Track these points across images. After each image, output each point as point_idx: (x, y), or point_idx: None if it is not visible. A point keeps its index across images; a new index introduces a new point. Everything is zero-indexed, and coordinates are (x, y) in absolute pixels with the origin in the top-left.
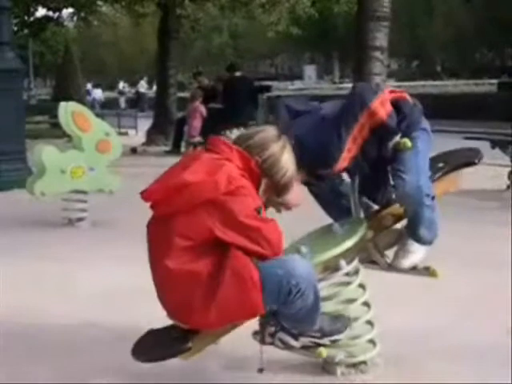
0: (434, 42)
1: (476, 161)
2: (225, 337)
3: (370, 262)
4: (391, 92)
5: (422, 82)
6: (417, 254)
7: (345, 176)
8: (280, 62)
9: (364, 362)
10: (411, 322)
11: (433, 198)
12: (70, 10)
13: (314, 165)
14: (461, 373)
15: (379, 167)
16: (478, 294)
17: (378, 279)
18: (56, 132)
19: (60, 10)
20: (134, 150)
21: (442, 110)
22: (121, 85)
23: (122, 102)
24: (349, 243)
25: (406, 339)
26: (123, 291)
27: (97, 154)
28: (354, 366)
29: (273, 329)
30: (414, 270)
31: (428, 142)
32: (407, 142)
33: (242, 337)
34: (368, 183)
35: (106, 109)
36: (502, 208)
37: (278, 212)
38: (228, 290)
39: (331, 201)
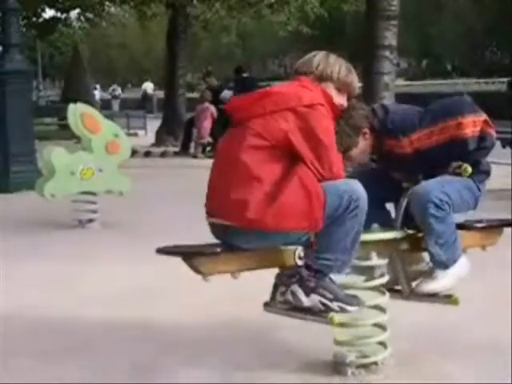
0: (443, 40)
1: None
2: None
3: (393, 290)
4: (486, 122)
5: (432, 81)
6: (440, 281)
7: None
8: (289, 62)
9: (375, 363)
10: (422, 323)
11: (448, 213)
12: (78, 10)
13: (385, 131)
14: (473, 374)
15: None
16: (490, 294)
17: None
18: (65, 133)
19: (68, 11)
20: (147, 154)
21: None
22: (112, 88)
23: (116, 104)
24: (382, 235)
25: (418, 340)
26: (134, 292)
27: (106, 156)
28: (365, 366)
29: (285, 287)
30: (434, 297)
31: (471, 193)
32: (468, 167)
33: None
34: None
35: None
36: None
37: (346, 166)
38: (292, 196)
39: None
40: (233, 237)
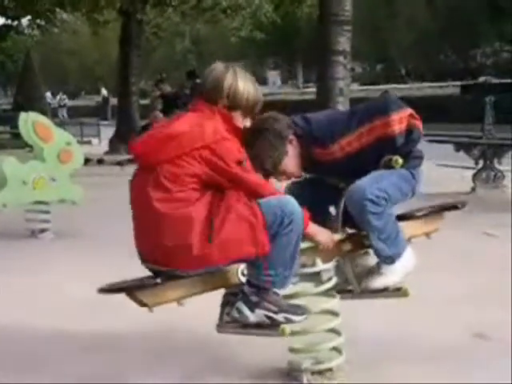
0: (397, 45)
1: (459, 206)
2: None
3: (344, 291)
4: (412, 116)
5: (387, 86)
6: (388, 276)
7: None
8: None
9: (330, 369)
10: (377, 327)
11: (385, 207)
12: (29, 17)
13: (312, 140)
14: (426, 376)
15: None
16: (449, 297)
17: None
18: (17, 142)
19: (19, 18)
20: (100, 161)
21: None
22: (59, 97)
23: (64, 112)
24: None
25: (372, 344)
26: (87, 302)
27: (58, 165)
28: (320, 372)
29: (230, 307)
30: (384, 291)
31: (408, 183)
32: (399, 159)
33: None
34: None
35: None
36: (468, 210)
37: (279, 181)
38: (231, 226)
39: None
40: (175, 271)
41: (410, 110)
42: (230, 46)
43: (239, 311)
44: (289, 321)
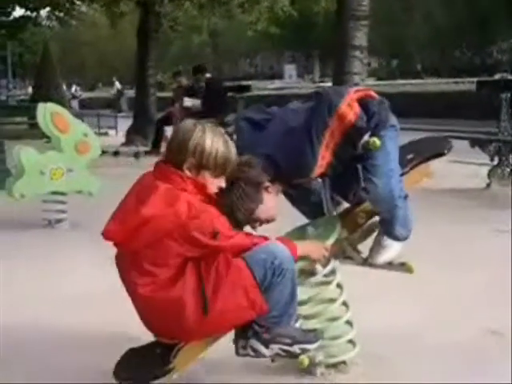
0: (413, 40)
1: (445, 151)
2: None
3: (346, 257)
4: (357, 91)
5: (402, 81)
6: (392, 249)
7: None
8: (260, 61)
9: (344, 362)
10: (390, 322)
11: (405, 197)
12: (48, 9)
13: (290, 177)
14: (440, 372)
15: (350, 165)
16: (457, 293)
17: (356, 279)
18: (35, 133)
19: (38, 10)
20: (116, 154)
21: (421, 108)
22: (73, 88)
23: (76, 104)
24: (327, 244)
25: (386, 339)
26: (103, 293)
27: (76, 156)
28: (334, 366)
29: (244, 341)
30: (389, 265)
31: (396, 139)
32: (376, 141)
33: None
34: (339, 181)
35: None
36: (482, 207)
37: (253, 228)
38: (223, 298)
39: (303, 199)
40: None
41: (350, 90)
42: (247, 39)
43: (254, 349)
44: (304, 350)
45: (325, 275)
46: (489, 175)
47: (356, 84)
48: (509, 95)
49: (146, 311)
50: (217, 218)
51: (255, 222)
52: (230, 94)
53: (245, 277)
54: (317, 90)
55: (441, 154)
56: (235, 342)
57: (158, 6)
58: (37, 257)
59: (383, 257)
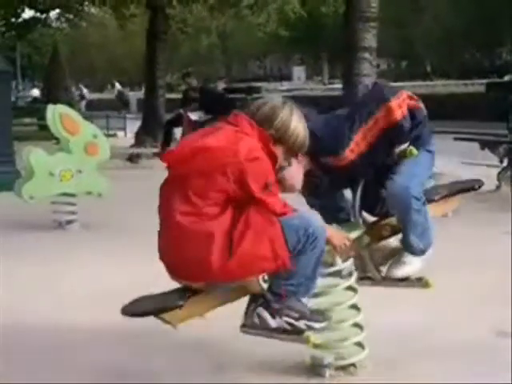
0: (422, 42)
1: (476, 187)
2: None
3: (364, 277)
4: (410, 97)
5: (412, 83)
6: (411, 265)
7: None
8: (269, 63)
9: (353, 365)
10: (400, 324)
11: (424, 203)
12: (58, 11)
13: (322, 150)
14: (449, 373)
15: (381, 177)
16: (468, 295)
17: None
18: (44, 134)
19: (47, 12)
20: (130, 159)
21: (431, 110)
22: (83, 90)
23: (82, 105)
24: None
25: (395, 341)
26: (114, 293)
27: (85, 157)
28: (343, 368)
29: (253, 306)
30: (406, 281)
31: (430, 162)
32: (413, 149)
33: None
34: (368, 193)
35: None
36: (492, 209)
37: (282, 192)
38: (251, 243)
39: (329, 206)
40: (196, 284)
41: (405, 93)
42: (257, 41)
43: (259, 317)
44: (310, 328)
45: (341, 276)
46: (498, 177)
47: (366, 86)
48: None
49: (177, 241)
50: (271, 173)
51: (279, 183)
52: (239, 95)
53: (274, 229)
54: (375, 81)
55: (471, 189)
56: (246, 310)
57: (167, 9)
58: (48, 258)
59: (401, 271)
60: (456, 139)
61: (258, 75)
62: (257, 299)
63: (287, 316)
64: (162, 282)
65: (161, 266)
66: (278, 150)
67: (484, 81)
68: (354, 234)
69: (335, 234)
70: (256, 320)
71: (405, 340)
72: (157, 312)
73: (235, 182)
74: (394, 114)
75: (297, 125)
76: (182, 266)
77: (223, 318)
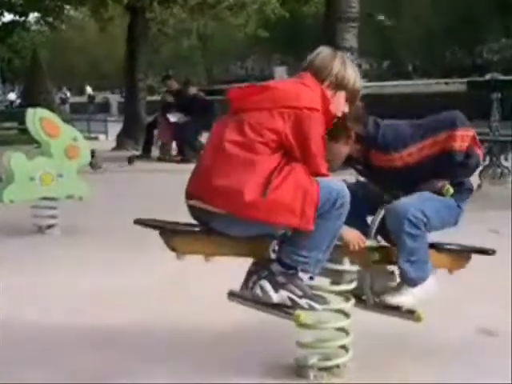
0: (403, 41)
1: (490, 252)
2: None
3: (357, 298)
4: (473, 138)
5: (393, 82)
6: (405, 296)
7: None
8: (250, 64)
9: (337, 366)
10: (385, 324)
11: (423, 232)
12: (37, 14)
13: (374, 145)
14: (435, 374)
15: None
16: (452, 294)
17: None
18: (25, 138)
19: (26, 15)
20: (130, 160)
21: (413, 109)
22: (62, 92)
23: (66, 108)
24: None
25: (379, 341)
26: (94, 298)
27: (65, 160)
28: (327, 369)
29: (256, 277)
30: (397, 311)
31: (451, 213)
32: (450, 189)
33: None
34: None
35: None
36: (474, 207)
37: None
38: (286, 191)
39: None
40: (214, 220)
41: (473, 132)
42: (237, 42)
43: (262, 289)
44: (311, 307)
45: (344, 280)
46: (480, 176)
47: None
48: (499, 95)
49: (217, 165)
50: (325, 131)
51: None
52: (220, 97)
53: (312, 189)
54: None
55: (485, 252)
56: (247, 276)
57: (148, 12)
58: (28, 262)
59: (394, 299)
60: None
61: (240, 76)
62: (260, 271)
63: (291, 292)
64: (142, 285)
65: (143, 270)
66: (340, 96)
67: (465, 79)
68: (369, 243)
69: (351, 231)
70: (258, 292)
71: (391, 340)
72: (168, 229)
73: (292, 127)
74: (454, 143)
75: (351, 71)
76: (214, 191)
77: (209, 319)
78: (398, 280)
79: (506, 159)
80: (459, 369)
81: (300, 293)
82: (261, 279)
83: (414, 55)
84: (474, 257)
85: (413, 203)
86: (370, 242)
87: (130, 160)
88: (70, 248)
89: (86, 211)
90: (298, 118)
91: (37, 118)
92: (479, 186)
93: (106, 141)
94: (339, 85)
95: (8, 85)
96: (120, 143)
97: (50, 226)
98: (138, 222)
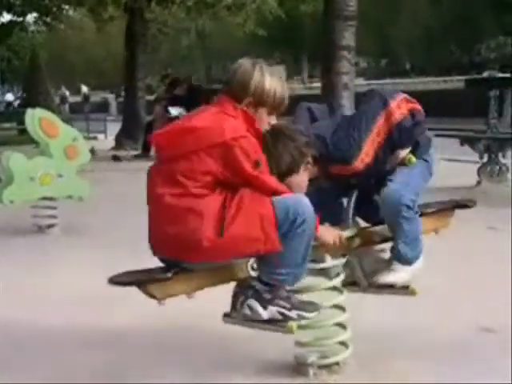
0: (401, 39)
1: (470, 204)
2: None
3: (351, 283)
4: (407, 100)
5: (391, 80)
6: (399, 273)
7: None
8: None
9: (336, 363)
10: (384, 322)
11: (416, 213)
12: (35, 14)
13: (332, 159)
14: (434, 371)
15: (377, 184)
16: (450, 292)
17: None
18: (24, 138)
19: (24, 15)
20: (116, 158)
21: None
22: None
23: (66, 108)
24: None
25: (378, 338)
26: (95, 297)
27: (65, 160)
28: (327, 367)
29: (243, 297)
30: (392, 288)
31: (427, 172)
32: (412, 158)
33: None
34: (363, 200)
35: None
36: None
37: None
38: (242, 223)
39: (330, 205)
40: (183, 263)
41: (403, 94)
42: (236, 41)
43: (251, 308)
44: (301, 317)
45: (329, 275)
46: (478, 173)
47: (345, 84)
48: (497, 93)
49: (167, 220)
50: (259, 151)
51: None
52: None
53: (266, 211)
54: (370, 88)
55: (464, 206)
56: (234, 298)
57: (146, 12)
58: (28, 262)
59: (387, 278)
60: (437, 136)
61: None
62: (245, 291)
63: (279, 306)
64: None
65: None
66: (263, 114)
67: (463, 77)
68: (347, 233)
69: (327, 230)
70: (247, 312)
71: (388, 338)
72: (143, 282)
73: (223, 163)
74: (394, 116)
75: (271, 83)
76: (173, 243)
77: (208, 318)
78: (386, 257)
79: (504, 156)
80: (459, 367)
81: (288, 305)
82: (248, 299)
83: (411, 53)
84: (474, 255)
85: (402, 186)
86: (348, 232)
87: (115, 158)
88: (70, 248)
89: (86, 211)
90: (227, 152)
91: (36, 118)
92: (478, 183)
93: (105, 140)
94: (259, 102)
95: (7, 85)
96: (119, 143)
97: (49, 226)
98: (113, 281)
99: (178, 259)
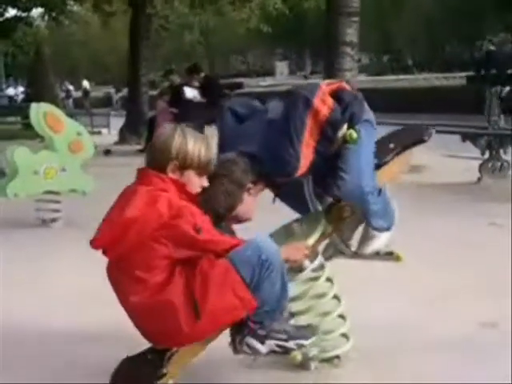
0: (404, 36)
1: (426, 138)
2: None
3: (337, 252)
4: (329, 84)
5: (393, 77)
6: (378, 239)
7: None
8: (252, 59)
9: (337, 357)
10: (384, 315)
11: (379, 192)
12: (40, 9)
13: (275, 177)
14: (434, 364)
15: (332, 161)
16: (452, 287)
17: (351, 273)
18: (28, 133)
19: (29, 10)
20: (107, 152)
21: (413, 103)
22: (68, 87)
23: (70, 103)
24: (309, 242)
25: (380, 332)
26: (98, 291)
27: (69, 155)
28: (328, 360)
29: (240, 338)
30: (377, 255)
31: (372, 134)
32: (352, 133)
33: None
34: (321, 177)
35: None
36: (474, 200)
37: (231, 225)
38: (212, 299)
39: (291, 194)
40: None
41: (322, 84)
42: (239, 37)
43: (250, 346)
44: (300, 346)
45: (313, 270)
46: (480, 169)
47: (347, 81)
48: (498, 89)
49: (140, 318)
50: (198, 215)
51: (232, 219)
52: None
53: (231, 276)
54: (289, 89)
55: (421, 141)
56: (232, 339)
57: (149, 8)
58: (32, 256)
59: (370, 247)
60: (438, 132)
61: (241, 71)
62: (241, 330)
63: (276, 339)
64: None
65: None
66: (191, 175)
67: (465, 74)
68: (316, 234)
69: (291, 250)
70: (246, 349)
71: (390, 332)
72: (146, 373)
73: (174, 243)
74: (322, 113)
75: (194, 146)
76: (156, 338)
77: None
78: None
79: (506, 153)
80: (459, 363)
81: (284, 336)
82: (245, 337)
83: (413, 49)
84: (474, 253)
85: (358, 178)
86: (312, 239)
87: (106, 153)
88: (73, 241)
89: (90, 205)
90: (172, 231)
91: (41, 112)
92: (479, 180)
93: (109, 135)
94: (183, 165)
95: (12, 80)
96: (122, 137)
97: (53, 220)
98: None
99: (163, 346)
